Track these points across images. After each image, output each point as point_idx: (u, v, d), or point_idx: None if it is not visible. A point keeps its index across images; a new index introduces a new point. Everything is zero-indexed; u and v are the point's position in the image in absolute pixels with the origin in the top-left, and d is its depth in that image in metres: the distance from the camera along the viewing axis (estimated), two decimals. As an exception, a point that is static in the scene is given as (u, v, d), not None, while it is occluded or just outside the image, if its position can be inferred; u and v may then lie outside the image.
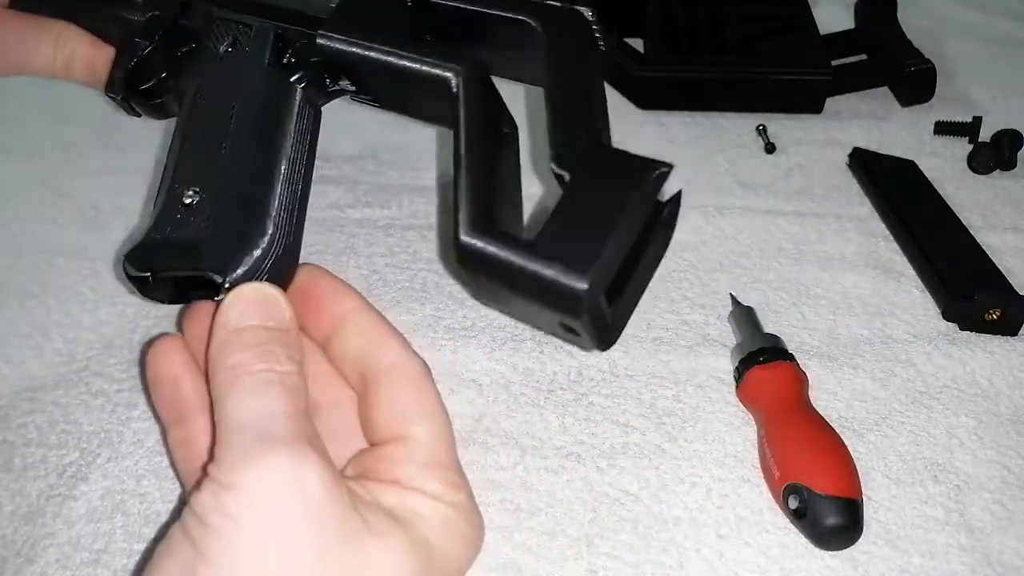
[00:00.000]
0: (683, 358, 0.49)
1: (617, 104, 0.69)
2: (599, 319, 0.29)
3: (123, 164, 0.63)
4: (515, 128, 0.35)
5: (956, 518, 0.41)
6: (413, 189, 0.60)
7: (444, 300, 0.52)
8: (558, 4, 0.35)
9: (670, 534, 0.41)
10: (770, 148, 0.64)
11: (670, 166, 0.29)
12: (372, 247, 0.56)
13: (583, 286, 0.27)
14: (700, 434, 0.45)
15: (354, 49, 0.35)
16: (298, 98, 0.37)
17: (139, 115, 0.43)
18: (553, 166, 0.30)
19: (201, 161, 0.37)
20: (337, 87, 0.38)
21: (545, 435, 0.45)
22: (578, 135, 0.31)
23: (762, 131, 0.65)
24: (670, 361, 0.49)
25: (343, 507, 0.29)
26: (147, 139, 0.64)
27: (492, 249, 0.29)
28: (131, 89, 0.42)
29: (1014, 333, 0.50)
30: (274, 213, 0.35)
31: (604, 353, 0.49)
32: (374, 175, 0.62)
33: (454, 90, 0.33)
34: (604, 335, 0.30)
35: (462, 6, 0.36)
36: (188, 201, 0.36)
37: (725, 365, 0.48)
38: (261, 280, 0.34)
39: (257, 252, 0.34)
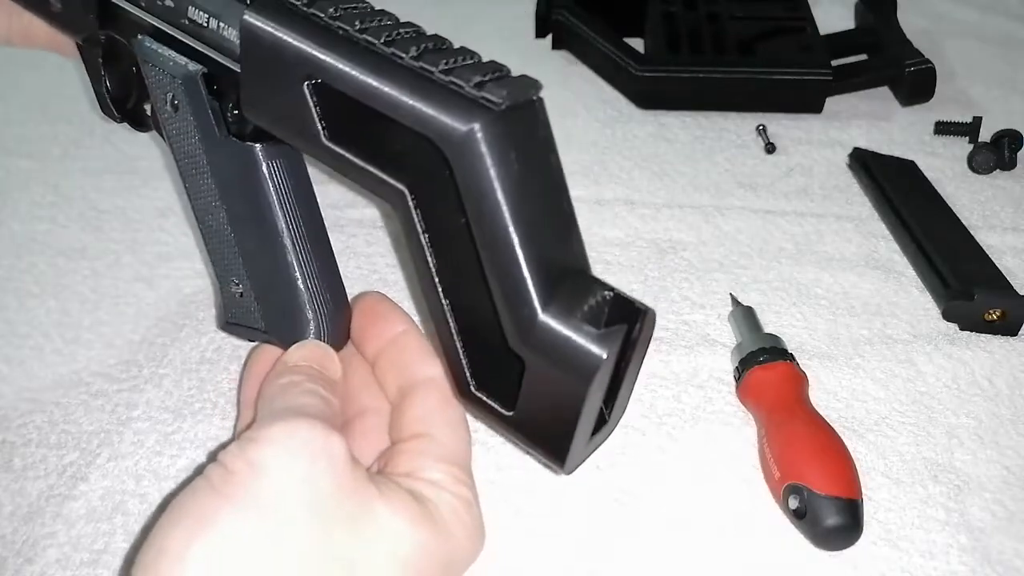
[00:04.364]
0: (683, 358, 0.49)
1: (617, 104, 0.69)
2: (586, 456, 0.32)
3: (123, 164, 0.63)
4: (468, 210, 0.28)
5: (956, 518, 0.41)
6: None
7: (444, 300, 0.52)
8: (475, 98, 0.26)
9: (670, 534, 0.41)
10: (770, 148, 0.64)
11: (636, 317, 0.28)
12: (372, 247, 0.56)
13: (563, 471, 0.30)
14: (700, 434, 0.45)
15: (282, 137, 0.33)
16: (262, 159, 0.35)
17: (118, 121, 0.43)
18: (510, 343, 0.28)
19: (225, 251, 0.39)
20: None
21: (545, 435, 0.45)
22: (522, 303, 0.27)
23: (762, 131, 0.65)
24: (670, 361, 0.49)
25: (361, 475, 0.31)
26: (147, 139, 0.64)
27: (482, 414, 0.32)
28: (122, 108, 0.42)
29: (1014, 333, 0.50)
30: (305, 293, 0.37)
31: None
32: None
33: (408, 208, 0.29)
34: (598, 445, 0.33)
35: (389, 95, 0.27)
36: (235, 290, 0.39)
37: (725, 365, 0.48)
38: (324, 339, 0.38)
39: (312, 328, 0.38)
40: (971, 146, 0.63)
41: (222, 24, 0.33)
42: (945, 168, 0.62)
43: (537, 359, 0.28)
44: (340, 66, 0.28)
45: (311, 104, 0.30)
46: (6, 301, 0.52)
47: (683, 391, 0.47)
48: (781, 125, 0.66)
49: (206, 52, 0.34)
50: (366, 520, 0.30)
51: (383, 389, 0.39)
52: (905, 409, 0.46)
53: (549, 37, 0.74)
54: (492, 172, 0.26)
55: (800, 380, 0.45)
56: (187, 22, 0.34)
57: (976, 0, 0.81)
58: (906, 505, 0.42)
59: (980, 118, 0.64)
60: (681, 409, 0.46)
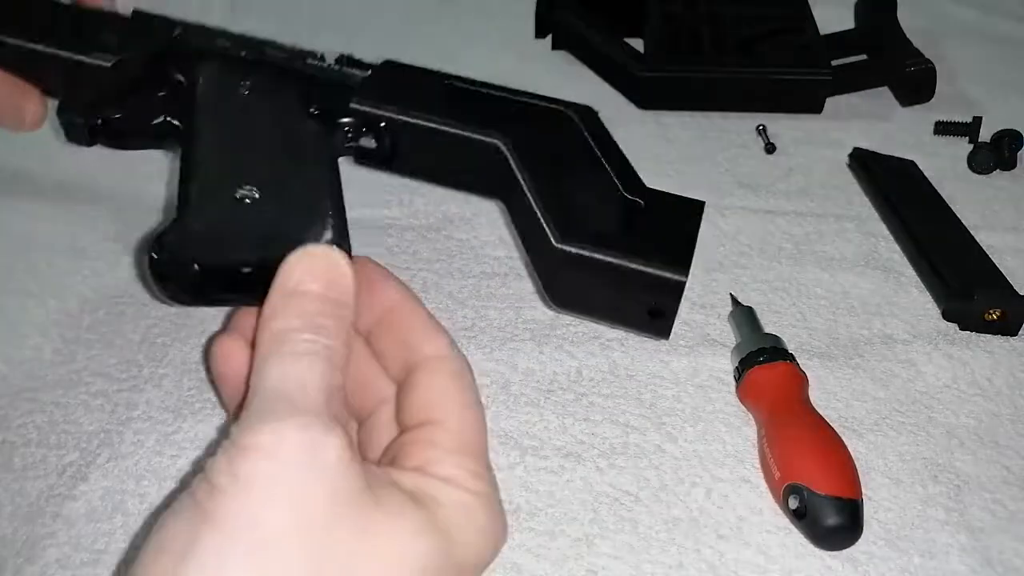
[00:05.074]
0: (683, 358, 0.49)
1: (617, 104, 0.69)
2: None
3: (122, 164, 0.63)
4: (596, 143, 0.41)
5: (956, 518, 0.41)
6: (413, 189, 0.60)
7: (444, 300, 0.52)
8: (570, 103, 0.41)
9: (670, 534, 0.41)
10: (770, 148, 0.64)
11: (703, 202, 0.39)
12: (372, 247, 0.56)
13: (683, 278, 0.35)
14: (700, 434, 0.45)
15: (400, 117, 0.39)
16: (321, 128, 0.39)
17: (91, 145, 0.41)
18: (625, 194, 0.39)
19: (243, 156, 0.36)
20: (353, 144, 0.40)
21: (545, 435, 0.45)
22: (634, 180, 0.40)
23: (762, 131, 0.65)
24: (670, 361, 0.49)
25: (358, 484, 0.28)
26: (147, 139, 0.64)
27: (594, 254, 0.35)
28: (93, 115, 0.40)
29: (1014, 333, 0.50)
30: (329, 213, 0.34)
31: (603, 353, 0.49)
32: (374, 175, 0.62)
33: (504, 155, 0.37)
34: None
35: (500, 95, 0.40)
36: (240, 196, 0.35)
37: (725, 365, 0.48)
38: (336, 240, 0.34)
39: (331, 227, 0.34)
40: (971, 146, 0.63)
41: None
42: (945, 168, 0.62)
43: (657, 199, 0.39)
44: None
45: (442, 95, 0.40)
46: (6, 301, 0.52)
47: (683, 391, 0.47)
48: (781, 125, 0.66)
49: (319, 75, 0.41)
50: (363, 537, 0.28)
51: (383, 366, 0.35)
52: (905, 409, 0.46)
53: (549, 37, 0.74)
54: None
55: (800, 380, 0.45)
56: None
57: (976, 0, 0.81)
58: (906, 505, 0.42)
59: (980, 118, 0.64)
60: (681, 409, 0.46)
